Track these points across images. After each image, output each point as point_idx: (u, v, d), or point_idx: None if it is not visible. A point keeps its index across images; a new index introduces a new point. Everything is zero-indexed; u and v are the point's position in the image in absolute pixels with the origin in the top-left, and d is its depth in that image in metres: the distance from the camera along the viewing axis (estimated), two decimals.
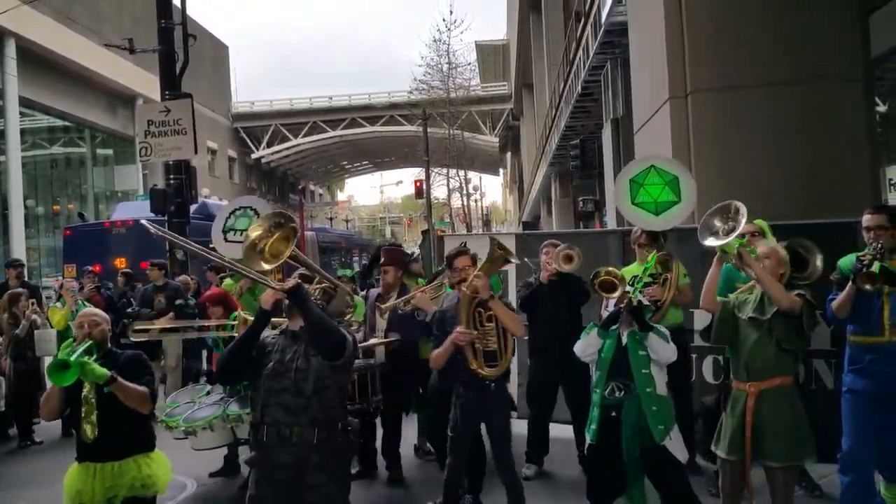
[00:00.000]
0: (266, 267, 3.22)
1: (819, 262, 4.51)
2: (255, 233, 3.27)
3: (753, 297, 3.95)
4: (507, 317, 4.18)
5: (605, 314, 4.22)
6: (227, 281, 7.33)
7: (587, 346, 4.07)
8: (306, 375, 3.21)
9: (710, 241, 4.00)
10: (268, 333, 3.42)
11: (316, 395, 3.21)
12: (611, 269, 4.16)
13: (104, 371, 3.39)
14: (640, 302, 3.96)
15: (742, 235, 4.77)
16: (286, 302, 3.26)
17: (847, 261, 4.27)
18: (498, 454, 4.32)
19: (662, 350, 3.89)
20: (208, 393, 5.75)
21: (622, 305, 3.95)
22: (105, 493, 3.53)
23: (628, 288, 4.03)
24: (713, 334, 4.09)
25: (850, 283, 4.05)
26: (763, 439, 3.78)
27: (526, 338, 5.66)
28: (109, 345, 3.78)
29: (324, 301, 3.52)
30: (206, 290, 9.46)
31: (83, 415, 3.53)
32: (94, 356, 3.51)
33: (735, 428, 3.86)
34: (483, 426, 4.49)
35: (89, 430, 3.52)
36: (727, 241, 3.91)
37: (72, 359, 3.27)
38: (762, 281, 3.82)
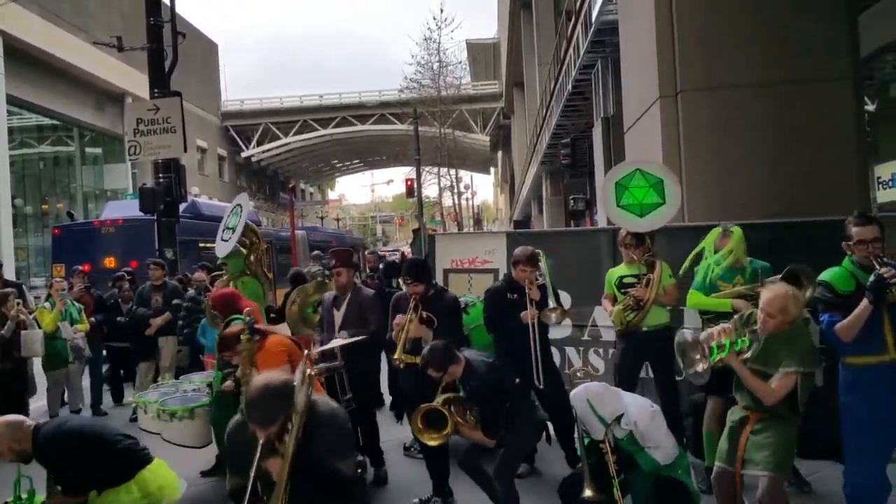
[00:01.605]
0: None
1: (810, 292, 4.30)
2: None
3: (756, 345, 3.71)
4: (473, 438, 4.26)
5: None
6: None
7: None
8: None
9: (701, 368, 3.74)
10: None
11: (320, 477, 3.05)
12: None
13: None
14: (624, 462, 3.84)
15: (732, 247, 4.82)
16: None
17: (838, 278, 3.90)
18: (499, 465, 4.36)
19: (660, 458, 3.79)
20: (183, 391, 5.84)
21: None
22: None
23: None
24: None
25: (865, 303, 3.67)
26: (754, 452, 3.71)
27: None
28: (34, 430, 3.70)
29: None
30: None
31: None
32: (30, 487, 3.67)
33: (728, 440, 3.80)
34: None
35: None
36: (710, 364, 3.69)
37: None
38: (748, 384, 3.68)
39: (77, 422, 3.81)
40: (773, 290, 3.70)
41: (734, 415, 3.85)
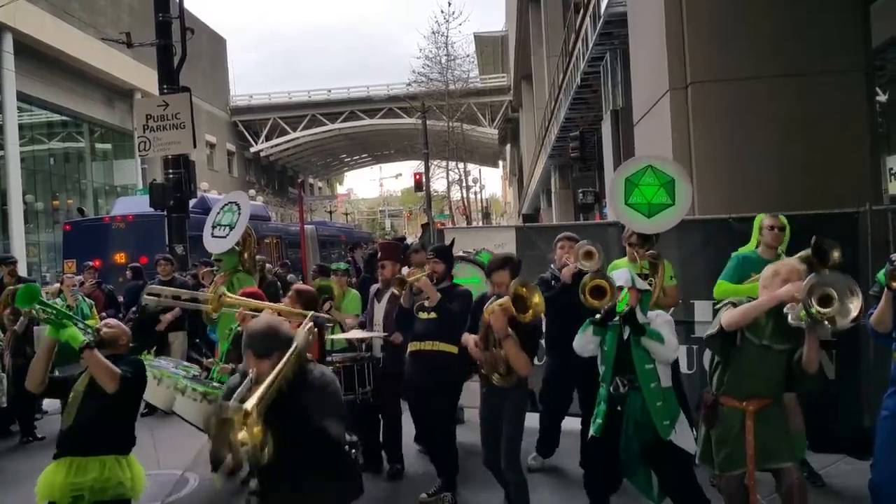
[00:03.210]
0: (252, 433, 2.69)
1: (837, 254, 4.40)
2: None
3: (766, 320, 3.65)
4: (517, 359, 4.15)
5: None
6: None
7: (584, 342, 4.02)
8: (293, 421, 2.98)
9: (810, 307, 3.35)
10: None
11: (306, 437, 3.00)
12: (599, 278, 4.02)
13: (81, 335, 3.50)
14: (632, 308, 3.87)
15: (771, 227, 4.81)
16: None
17: (883, 272, 3.87)
18: (505, 444, 4.31)
19: (658, 352, 3.81)
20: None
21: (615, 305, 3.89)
22: (70, 488, 3.50)
23: (627, 282, 3.97)
24: (729, 355, 3.76)
25: (885, 291, 3.67)
26: (769, 448, 3.66)
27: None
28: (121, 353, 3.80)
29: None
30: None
31: (69, 402, 3.62)
32: (91, 333, 3.72)
33: (732, 446, 3.71)
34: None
35: (68, 417, 3.61)
36: (821, 311, 3.31)
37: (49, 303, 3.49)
38: (809, 342, 3.55)
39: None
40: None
41: (729, 419, 3.72)
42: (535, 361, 5.74)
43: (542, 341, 5.62)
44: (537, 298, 3.99)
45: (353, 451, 3.24)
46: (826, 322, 3.28)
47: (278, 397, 2.80)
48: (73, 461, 3.55)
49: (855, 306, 3.26)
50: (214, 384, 5.33)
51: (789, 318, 3.41)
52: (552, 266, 5.45)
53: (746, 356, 3.67)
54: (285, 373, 2.88)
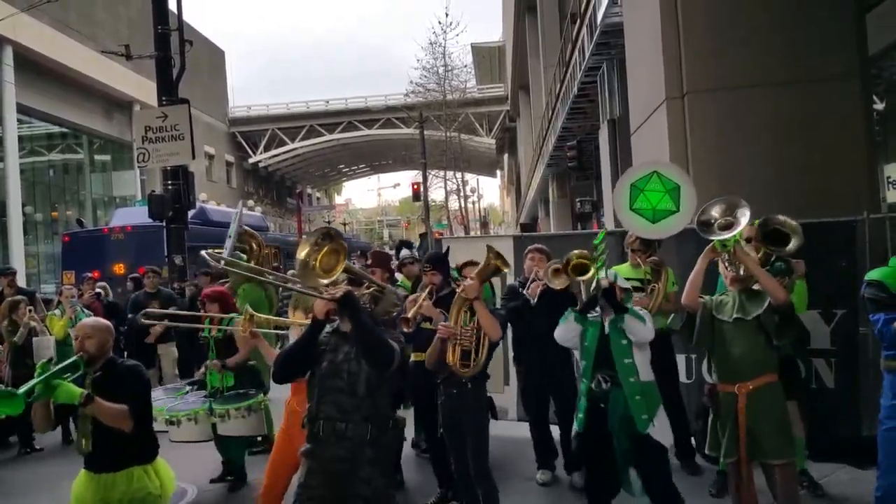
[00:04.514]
0: (322, 282, 3.28)
1: (799, 232, 4.49)
2: (303, 251, 3.30)
3: (732, 299, 3.99)
4: (488, 320, 4.27)
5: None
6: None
7: (566, 331, 4.10)
8: (358, 378, 3.31)
9: (712, 235, 4.02)
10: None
11: (369, 396, 3.31)
12: (583, 251, 4.15)
13: (76, 391, 3.36)
14: (611, 284, 3.93)
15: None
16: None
17: (888, 275, 3.80)
18: (471, 455, 4.32)
19: (638, 330, 3.86)
20: (185, 394, 5.89)
21: (598, 291, 3.94)
22: (100, 503, 3.54)
23: (604, 273, 4.01)
24: (696, 335, 4.06)
25: None
26: (759, 438, 3.79)
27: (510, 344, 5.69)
28: (112, 354, 3.76)
29: (372, 304, 3.54)
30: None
31: (80, 425, 3.56)
32: (80, 371, 3.53)
33: (730, 431, 3.86)
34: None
35: (84, 443, 3.56)
36: (725, 236, 3.93)
37: (20, 391, 3.24)
38: (759, 276, 3.84)
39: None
40: None
41: (727, 404, 3.90)
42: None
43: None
44: (499, 261, 4.40)
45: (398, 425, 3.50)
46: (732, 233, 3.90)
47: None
48: (101, 478, 3.57)
49: (745, 215, 3.96)
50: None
51: (725, 267, 4.03)
52: (521, 275, 5.53)
53: (727, 337, 3.93)
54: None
